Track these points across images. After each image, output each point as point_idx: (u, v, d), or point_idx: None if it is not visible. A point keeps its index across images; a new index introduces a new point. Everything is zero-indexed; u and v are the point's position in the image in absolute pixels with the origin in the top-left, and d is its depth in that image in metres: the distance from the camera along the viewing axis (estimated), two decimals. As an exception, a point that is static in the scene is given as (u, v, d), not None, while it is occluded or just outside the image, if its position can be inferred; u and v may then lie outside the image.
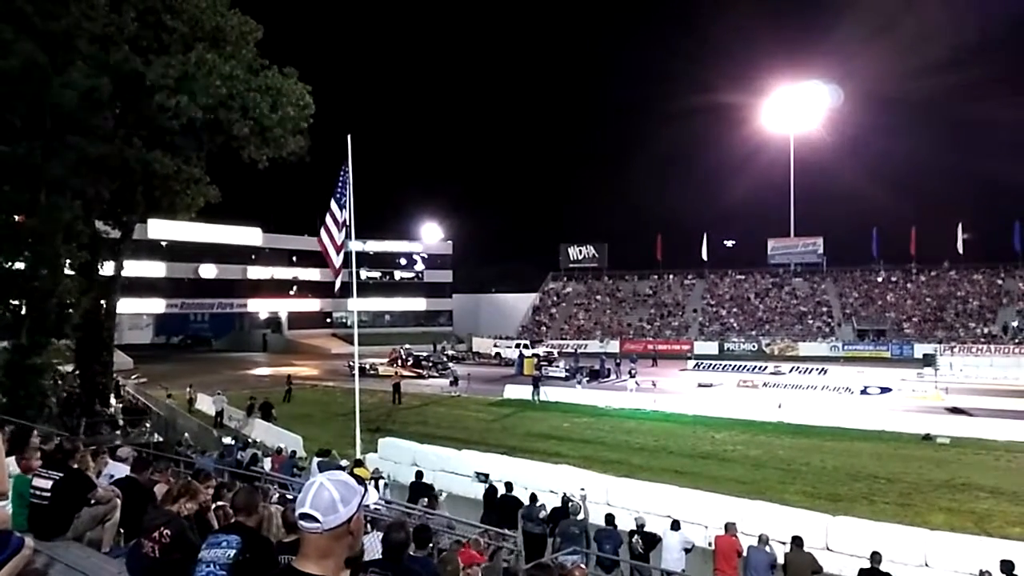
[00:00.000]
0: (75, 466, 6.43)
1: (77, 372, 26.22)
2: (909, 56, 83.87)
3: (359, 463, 17.44)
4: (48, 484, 5.97)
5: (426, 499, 13.57)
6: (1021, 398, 31.94)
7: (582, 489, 14.20)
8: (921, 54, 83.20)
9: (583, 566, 8.15)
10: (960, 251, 63.26)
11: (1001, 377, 40.34)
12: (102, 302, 25.71)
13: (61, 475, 6.06)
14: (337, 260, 20.51)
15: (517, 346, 55.98)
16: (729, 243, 76.62)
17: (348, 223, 20.59)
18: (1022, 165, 72.55)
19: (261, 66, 25.58)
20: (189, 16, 23.51)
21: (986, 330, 55.83)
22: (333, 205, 20.25)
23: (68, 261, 21.76)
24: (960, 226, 63.23)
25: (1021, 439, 23.81)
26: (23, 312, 20.75)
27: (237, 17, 25.02)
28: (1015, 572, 9.76)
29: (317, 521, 2.18)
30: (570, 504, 12.83)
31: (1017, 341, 52.97)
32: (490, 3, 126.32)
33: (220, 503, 6.73)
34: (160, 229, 57.08)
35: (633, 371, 40.19)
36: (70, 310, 21.70)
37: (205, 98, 23.20)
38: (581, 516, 12.59)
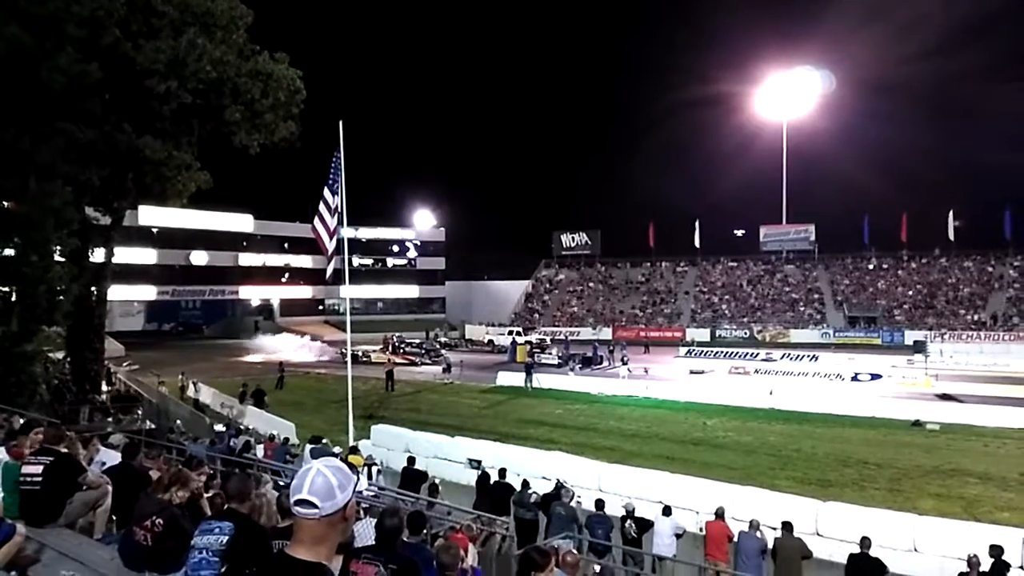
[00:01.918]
0: (64, 450, 6.41)
1: (68, 359, 26.09)
2: (900, 43, 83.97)
3: (354, 450, 17.44)
4: (39, 469, 5.95)
5: (428, 488, 13.58)
6: (1010, 385, 32.17)
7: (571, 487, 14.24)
8: (912, 41, 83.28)
9: (575, 551, 8.18)
10: (951, 238, 63.58)
11: (991, 364, 40.56)
12: (93, 289, 25.53)
13: (51, 459, 6.04)
14: (330, 246, 20.49)
15: (510, 333, 56.01)
16: (739, 232, 76.15)
17: (340, 210, 20.53)
18: (1013, 152, 72.68)
19: (252, 51, 25.40)
20: (179, 0, 23.27)
21: (976, 317, 56.17)
22: (326, 191, 20.21)
23: (58, 248, 21.59)
24: (951, 213, 63.48)
25: (1010, 425, 24.00)
26: (13, 299, 20.61)
27: (227, 2, 24.78)
28: (1003, 557, 9.85)
29: (315, 507, 2.17)
30: (563, 489, 12.88)
31: (1007, 328, 53.35)
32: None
33: (212, 491, 6.72)
34: (151, 215, 56.79)
35: (625, 358, 40.29)
36: (60, 297, 21.53)
37: (195, 83, 23.05)
38: (573, 503, 12.62)
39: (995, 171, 72.25)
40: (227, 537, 3.95)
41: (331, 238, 20.36)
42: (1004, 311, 55.82)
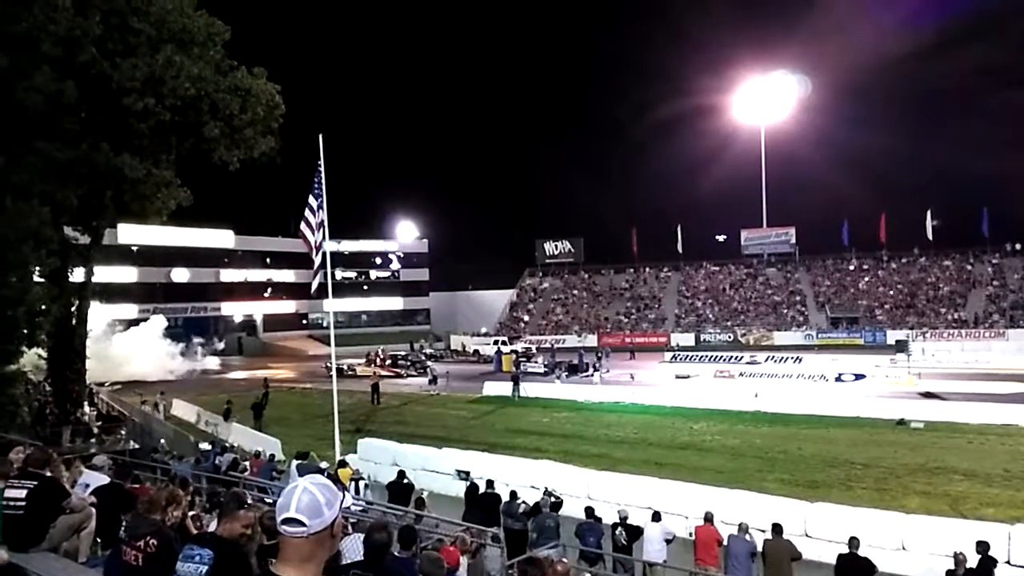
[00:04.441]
0: (48, 474, 6.34)
1: (49, 380, 25.80)
2: (875, 46, 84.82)
3: (343, 464, 17.34)
4: (22, 493, 5.88)
5: (415, 502, 13.52)
6: (992, 381, 32.53)
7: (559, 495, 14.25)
8: (887, 44, 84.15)
9: (565, 560, 8.17)
10: (929, 237, 64.10)
11: (972, 361, 40.99)
12: (73, 309, 25.28)
13: (35, 483, 5.97)
14: (315, 260, 20.51)
15: (495, 343, 55.97)
16: (721, 237, 76.41)
17: (324, 224, 20.49)
18: (989, 151, 73.73)
19: (230, 67, 25.30)
20: (155, 18, 23.14)
21: (957, 315, 56.71)
22: (311, 201, 20.19)
23: (37, 268, 21.40)
24: (929, 213, 64.03)
25: (993, 422, 24.20)
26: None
27: (204, 18, 24.69)
28: (990, 553, 9.94)
29: (303, 525, 2.16)
30: (550, 499, 12.87)
31: (987, 325, 53.92)
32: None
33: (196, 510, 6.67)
34: (131, 234, 56.37)
35: (597, 364, 40.78)
36: (40, 318, 21.33)
37: (174, 100, 22.93)
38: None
39: (971, 170, 73.13)
40: (206, 567, 3.84)
41: (316, 252, 20.36)
42: (984, 308, 56.41)
